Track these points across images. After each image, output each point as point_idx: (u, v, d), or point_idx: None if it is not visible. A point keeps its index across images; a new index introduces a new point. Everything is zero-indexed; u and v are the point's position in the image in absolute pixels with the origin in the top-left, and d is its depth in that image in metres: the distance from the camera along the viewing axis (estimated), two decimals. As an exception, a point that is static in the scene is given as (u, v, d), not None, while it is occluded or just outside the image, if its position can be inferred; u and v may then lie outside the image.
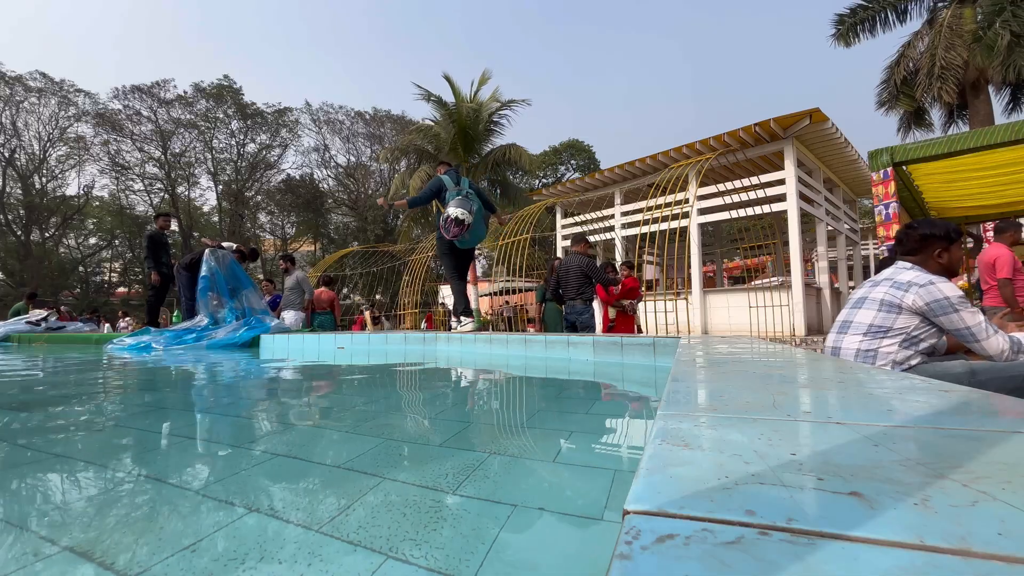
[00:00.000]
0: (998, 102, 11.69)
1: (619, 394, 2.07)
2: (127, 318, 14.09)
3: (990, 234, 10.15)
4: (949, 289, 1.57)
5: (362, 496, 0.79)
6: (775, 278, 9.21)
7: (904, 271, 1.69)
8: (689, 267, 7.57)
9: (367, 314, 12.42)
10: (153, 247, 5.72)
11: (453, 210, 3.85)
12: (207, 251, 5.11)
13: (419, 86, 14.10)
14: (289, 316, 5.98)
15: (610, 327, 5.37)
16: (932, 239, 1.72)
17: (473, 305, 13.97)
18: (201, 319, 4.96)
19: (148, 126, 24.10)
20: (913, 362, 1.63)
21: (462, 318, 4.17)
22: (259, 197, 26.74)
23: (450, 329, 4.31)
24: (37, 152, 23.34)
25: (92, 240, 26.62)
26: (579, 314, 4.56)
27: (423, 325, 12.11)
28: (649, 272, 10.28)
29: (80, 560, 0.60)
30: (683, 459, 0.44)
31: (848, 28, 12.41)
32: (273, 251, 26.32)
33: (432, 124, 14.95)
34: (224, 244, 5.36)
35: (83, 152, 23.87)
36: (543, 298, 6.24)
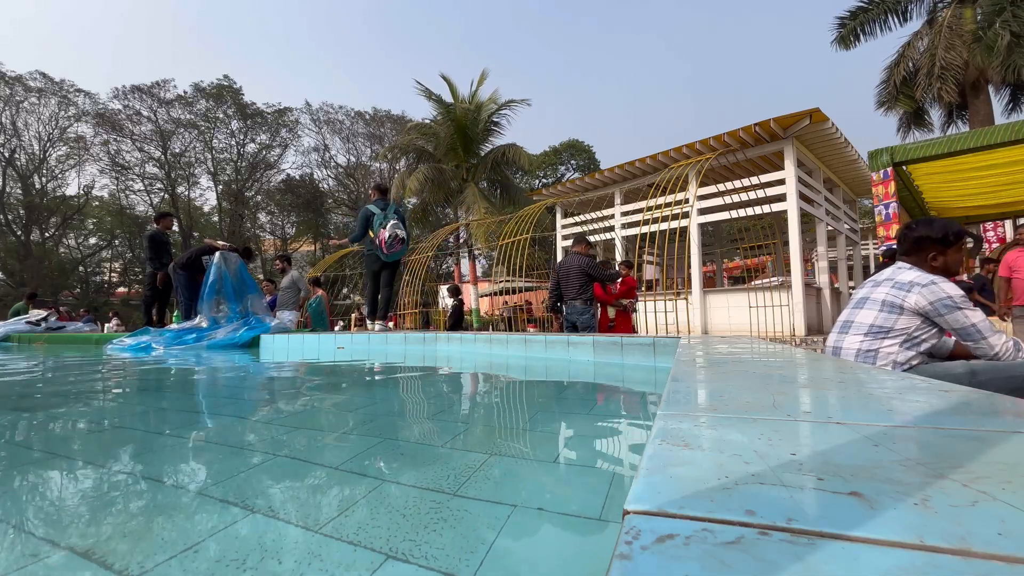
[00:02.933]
0: (998, 102, 11.69)
1: (619, 394, 2.07)
2: (116, 318, 14.16)
3: (991, 235, 10.16)
4: (951, 288, 1.57)
5: (362, 497, 0.79)
6: (775, 278, 9.21)
7: (904, 271, 1.69)
8: (689, 267, 7.56)
9: (353, 316, 12.51)
10: (156, 247, 5.74)
11: (399, 231, 4.72)
12: (218, 254, 5.11)
13: (420, 84, 14.12)
14: (284, 316, 5.98)
15: (610, 327, 5.37)
16: (927, 241, 1.70)
17: (473, 305, 14.02)
18: (202, 319, 4.96)
19: (148, 126, 24.07)
20: (914, 363, 1.63)
21: (377, 322, 5.00)
22: (259, 197, 26.71)
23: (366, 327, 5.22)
24: (37, 152, 23.31)
25: (92, 240, 26.59)
26: (580, 314, 4.56)
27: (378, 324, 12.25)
28: (649, 272, 10.28)
29: (80, 560, 0.60)
30: (683, 459, 0.44)
31: (849, 31, 12.40)
32: (273, 251, 26.31)
33: (431, 124, 14.96)
34: (219, 244, 5.37)
35: (83, 152, 23.84)
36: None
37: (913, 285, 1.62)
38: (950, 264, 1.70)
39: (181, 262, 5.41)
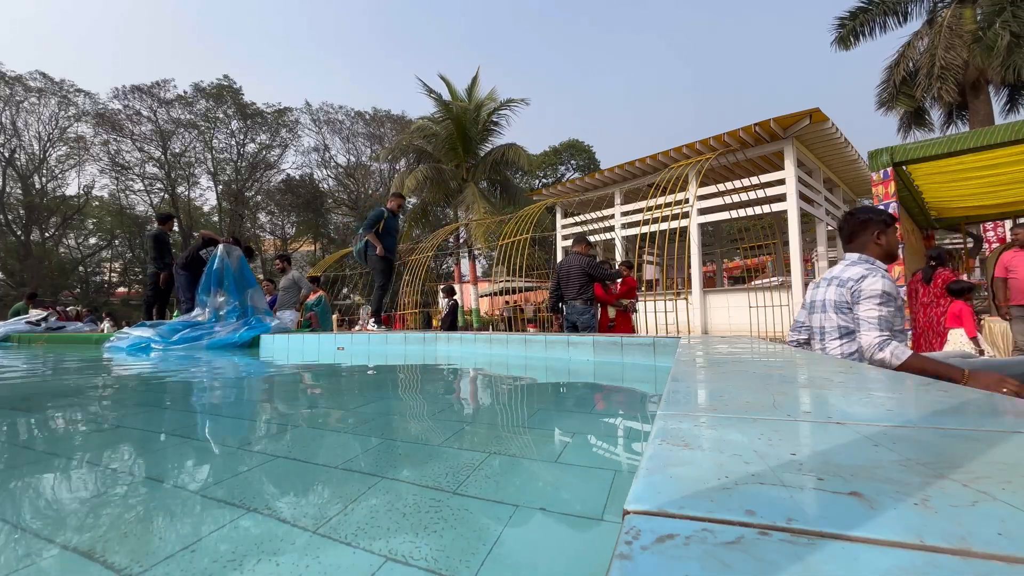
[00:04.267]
0: (998, 102, 11.69)
1: (619, 394, 2.07)
2: (108, 319, 14.21)
3: (991, 235, 10.15)
4: (877, 284, 1.58)
5: (361, 496, 0.79)
6: (775, 278, 9.21)
7: (850, 267, 1.71)
8: (689, 267, 7.57)
9: (335, 316, 12.64)
10: (159, 247, 5.77)
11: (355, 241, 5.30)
12: (221, 246, 5.11)
13: (422, 81, 14.15)
14: (284, 315, 5.98)
15: (610, 327, 5.36)
16: (872, 223, 1.75)
17: (472, 305, 14.01)
18: (201, 313, 4.94)
19: (148, 126, 24.06)
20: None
21: (371, 319, 5.20)
22: (259, 197, 26.72)
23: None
24: (37, 152, 23.30)
25: (92, 240, 26.59)
26: (580, 314, 4.55)
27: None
28: (649, 272, 10.28)
29: (81, 560, 0.60)
30: (683, 459, 0.44)
31: (848, 31, 12.38)
32: (273, 251, 26.32)
33: (431, 123, 14.98)
34: (219, 237, 5.40)
35: (83, 152, 23.83)
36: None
37: (849, 280, 1.65)
38: (892, 242, 1.74)
39: (182, 262, 5.42)
